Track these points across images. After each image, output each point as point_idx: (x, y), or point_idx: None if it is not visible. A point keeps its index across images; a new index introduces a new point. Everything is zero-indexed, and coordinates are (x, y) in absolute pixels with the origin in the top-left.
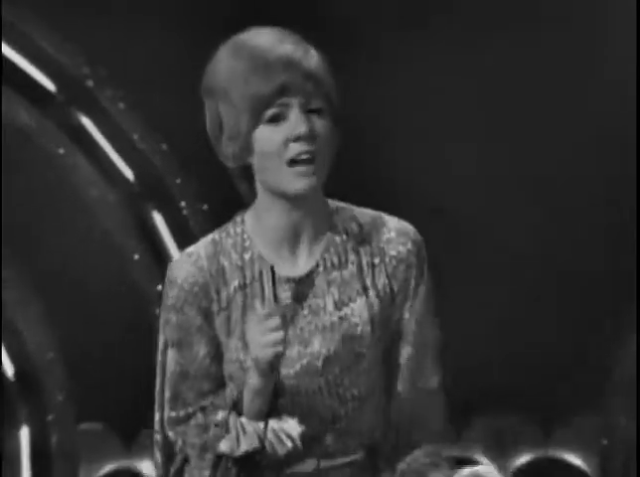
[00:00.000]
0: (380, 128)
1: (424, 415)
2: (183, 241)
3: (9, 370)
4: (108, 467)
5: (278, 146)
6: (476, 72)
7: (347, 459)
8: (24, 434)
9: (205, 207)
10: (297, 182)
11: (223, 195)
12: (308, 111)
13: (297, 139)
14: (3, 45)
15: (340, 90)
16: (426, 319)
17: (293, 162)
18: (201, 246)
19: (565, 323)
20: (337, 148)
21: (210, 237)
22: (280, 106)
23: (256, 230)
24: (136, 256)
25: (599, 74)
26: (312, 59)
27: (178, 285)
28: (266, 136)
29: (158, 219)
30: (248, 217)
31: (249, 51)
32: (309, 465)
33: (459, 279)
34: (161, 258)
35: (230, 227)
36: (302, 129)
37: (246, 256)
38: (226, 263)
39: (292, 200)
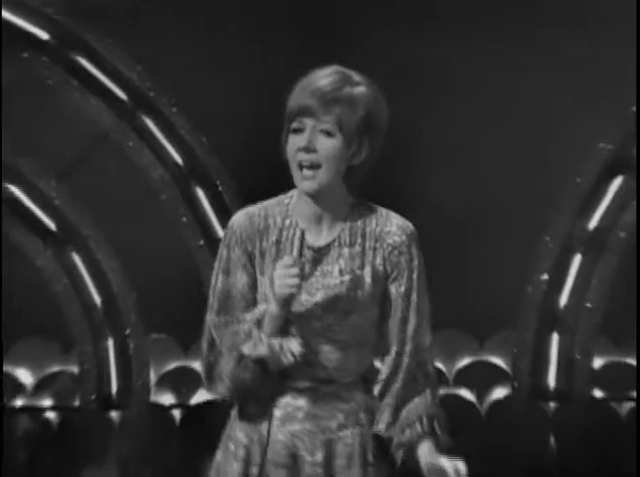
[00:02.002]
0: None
1: (425, 363)
2: (218, 210)
3: (97, 300)
4: (171, 366)
5: (294, 152)
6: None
7: (341, 378)
8: (110, 344)
9: (234, 184)
10: (303, 183)
11: (247, 175)
12: (320, 131)
13: (301, 150)
14: (87, 63)
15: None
16: (421, 293)
17: (300, 166)
18: (257, 207)
19: (490, 261)
20: (356, 161)
21: (266, 202)
22: (300, 123)
23: (297, 206)
24: (184, 219)
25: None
26: (337, 92)
27: (233, 230)
28: (290, 143)
29: (200, 193)
30: (295, 195)
31: (303, 81)
32: (303, 381)
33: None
34: (202, 221)
35: (282, 198)
36: (303, 143)
37: (287, 222)
38: (271, 223)
39: (306, 194)
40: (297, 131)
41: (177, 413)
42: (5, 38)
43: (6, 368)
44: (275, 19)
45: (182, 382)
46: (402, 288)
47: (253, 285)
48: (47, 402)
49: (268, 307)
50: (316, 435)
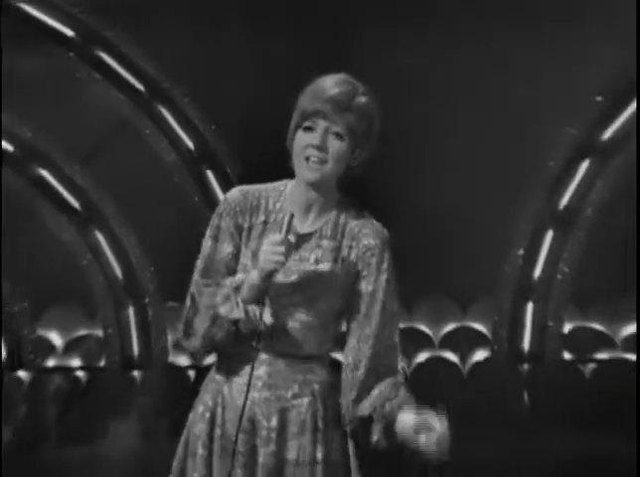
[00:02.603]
0: None
1: (390, 359)
2: (226, 190)
3: (118, 272)
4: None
5: (303, 147)
6: None
7: (301, 350)
8: (130, 312)
9: (240, 167)
10: (306, 173)
11: (252, 159)
12: (331, 133)
13: (312, 146)
14: (108, 58)
15: (370, 126)
16: (389, 295)
17: (307, 159)
18: (253, 187)
19: (472, 239)
20: (355, 163)
21: (263, 185)
22: (312, 122)
23: (290, 193)
24: (196, 198)
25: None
26: (349, 101)
27: (227, 202)
28: (299, 138)
29: (210, 174)
30: (290, 183)
31: (316, 86)
32: (266, 353)
33: None
34: (211, 200)
35: (278, 184)
36: (316, 142)
37: (277, 206)
38: (262, 203)
39: (307, 185)
40: (308, 129)
41: (192, 373)
42: (35, 35)
43: (39, 331)
44: (278, 17)
45: None
46: (370, 288)
47: (236, 255)
48: (75, 363)
49: (249, 276)
50: (272, 403)
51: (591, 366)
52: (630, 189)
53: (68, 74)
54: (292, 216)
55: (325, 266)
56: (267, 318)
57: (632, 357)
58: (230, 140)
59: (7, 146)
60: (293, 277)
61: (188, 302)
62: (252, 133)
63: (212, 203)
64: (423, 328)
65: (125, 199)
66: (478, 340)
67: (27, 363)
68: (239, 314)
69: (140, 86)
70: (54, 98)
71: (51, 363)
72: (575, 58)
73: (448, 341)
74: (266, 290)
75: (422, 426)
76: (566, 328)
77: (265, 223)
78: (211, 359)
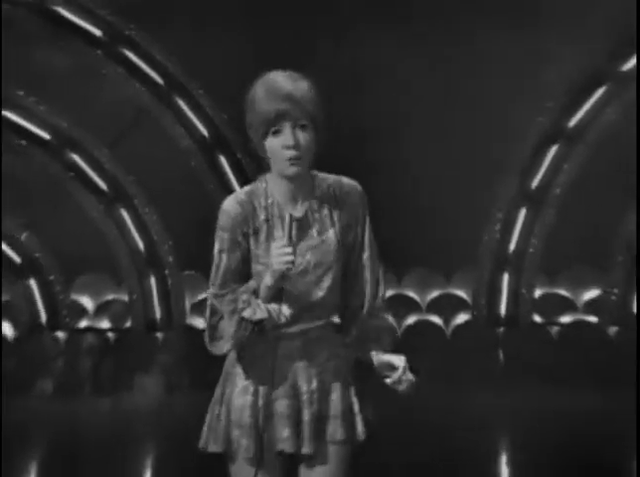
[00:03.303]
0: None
1: (378, 295)
2: (236, 173)
3: (141, 246)
4: (201, 296)
5: (278, 150)
6: None
7: (319, 323)
8: (152, 282)
9: (249, 152)
10: (289, 170)
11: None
12: (298, 127)
13: (287, 148)
14: (132, 55)
15: (324, 111)
16: (371, 238)
17: (288, 159)
18: (241, 193)
19: (455, 216)
20: (319, 146)
21: (246, 188)
22: (278, 126)
23: (274, 187)
24: (211, 186)
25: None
26: (305, 94)
27: (227, 214)
28: (272, 144)
29: (222, 160)
30: (269, 178)
31: (267, 87)
32: (296, 328)
33: None
34: (224, 183)
35: (257, 183)
36: (290, 142)
37: (269, 201)
38: (256, 204)
39: (289, 177)
40: (277, 132)
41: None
42: (67, 35)
43: (72, 296)
44: (279, 19)
45: None
46: (359, 236)
47: (246, 260)
48: (105, 324)
49: (264, 280)
50: (310, 369)
51: (556, 328)
52: (593, 170)
53: (95, 70)
54: (291, 217)
55: (327, 235)
56: (286, 311)
57: (593, 319)
58: (239, 128)
59: (45, 135)
60: (308, 255)
61: (208, 312)
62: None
63: (225, 185)
64: (412, 295)
65: (147, 180)
66: (460, 305)
67: (63, 324)
68: (262, 314)
69: (160, 80)
70: (84, 92)
71: (83, 324)
72: (545, 55)
73: (434, 306)
74: (282, 288)
75: (384, 367)
76: (537, 294)
77: (267, 220)
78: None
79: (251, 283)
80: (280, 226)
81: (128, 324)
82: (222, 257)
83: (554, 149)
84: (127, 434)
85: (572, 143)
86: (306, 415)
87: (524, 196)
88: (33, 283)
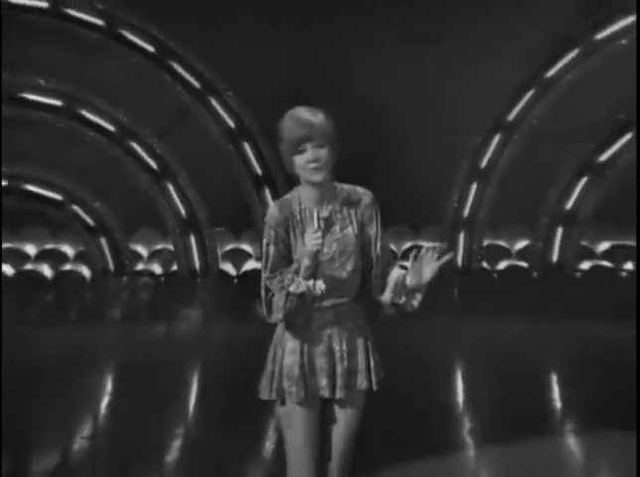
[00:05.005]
0: None
1: (386, 259)
2: (257, 157)
3: (183, 211)
4: (229, 247)
5: (304, 164)
6: None
7: (345, 300)
8: (192, 239)
9: (269, 141)
10: (314, 177)
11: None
12: (317, 146)
13: (310, 161)
14: (177, 66)
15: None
16: (381, 232)
17: (311, 170)
18: (280, 201)
19: (425, 187)
20: (335, 160)
21: (284, 196)
22: (302, 146)
23: (304, 194)
24: (236, 166)
25: None
26: (321, 122)
27: (272, 217)
28: (299, 161)
29: (246, 146)
30: (300, 189)
31: (292, 119)
32: (328, 302)
33: None
34: (249, 168)
35: (292, 192)
36: (311, 157)
37: (302, 206)
38: (293, 209)
39: (314, 184)
40: (301, 151)
41: (235, 280)
42: (126, 50)
43: (131, 246)
44: (294, 26)
45: (236, 257)
46: (372, 231)
47: (288, 250)
48: (156, 268)
49: (303, 262)
50: (341, 334)
51: (497, 272)
52: (525, 155)
53: (148, 77)
54: (318, 212)
55: (349, 230)
56: (322, 286)
57: (524, 264)
58: (261, 121)
59: (110, 127)
60: (334, 246)
61: (263, 292)
62: (278, 116)
63: (248, 166)
64: (390, 245)
65: (187, 162)
66: None
67: (125, 269)
68: (303, 288)
69: (197, 85)
70: (139, 94)
71: (139, 267)
72: (496, 56)
73: (406, 254)
74: (317, 267)
75: (416, 271)
76: (484, 245)
77: (300, 221)
78: (246, 266)
79: (294, 266)
80: (311, 223)
81: (174, 268)
82: (269, 249)
83: (497, 138)
84: (175, 355)
85: (511, 133)
86: (339, 369)
87: (475, 173)
88: (103, 240)
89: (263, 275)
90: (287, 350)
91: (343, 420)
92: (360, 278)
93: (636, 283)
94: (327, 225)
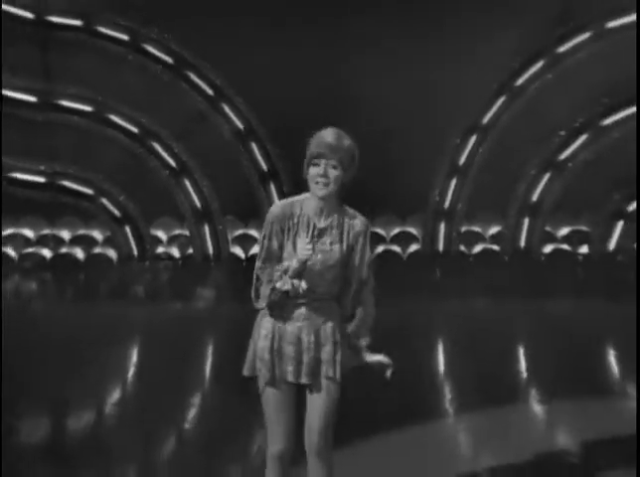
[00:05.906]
0: None
1: (367, 284)
2: (264, 157)
3: (198, 203)
4: (238, 232)
5: (314, 176)
6: None
7: (321, 299)
8: (206, 227)
9: (274, 142)
10: (318, 191)
11: (283, 138)
12: (330, 165)
13: (319, 175)
14: (194, 76)
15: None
16: (367, 258)
17: (317, 183)
18: (285, 201)
19: (411, 180)
20: (345, 181)
21: (290, 198)
22: (318, 160)
23: (307, 203)
24: (245, 163)
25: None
26: (342, 147)
27: (273, 214)
28: (311, 171)
29: (255, 147)
30: (307, 196)
31: (317, 137)
32: (305, 299)
33: None
34: (256, 164)
35: (299, 196)
36: (321, 172)
37: (302, 211)
38: (294, 211)
39: (319, 198)
40: (315, 165)
41: (244, 263)
42: (149, 63)
43: (152, 231)
44: (304, 34)
45: (244, 242)
46: (358, 256)
47: (282, 247)
48: (174, 251)
49: (292, 263)
50: (311, 327)
51: (474, 255)
52: (498, 153)
53: (168, 86)
54: (315, 224)
55: (336, 247)
56: (304, 286)
57: (496, 248)
58: (267, 124)
59: (134, 129)
60: (320, 256)
61: (254, 278)
62: (283, 119)
63: (255, 164)
64: (380, 231)
65: (203, 160)
66: (412, 239)
67: (146, 252)
68: (287, 287)
69: (210, 92)
70: (159, 100)
71: (159, 250)
72: (477, 60)
73: (394, 239)
74: (303, 270)
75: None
76: (462, 231)
77: (297, 224)
78: (253, 250)
79: (285, 263)
80: (305, 230)
81: (190, 251)
82: (264, 242)
83: (473, 138)
84: (190, 330)
85: (485, 134)
86: (305, 358)
87: (454, 169)
88: (127, 227)
89: (257, 264)
90: (262, 335)
91: (315, 408)
92: (338, 287)
93: (636, 271)
94: (319, 235)
